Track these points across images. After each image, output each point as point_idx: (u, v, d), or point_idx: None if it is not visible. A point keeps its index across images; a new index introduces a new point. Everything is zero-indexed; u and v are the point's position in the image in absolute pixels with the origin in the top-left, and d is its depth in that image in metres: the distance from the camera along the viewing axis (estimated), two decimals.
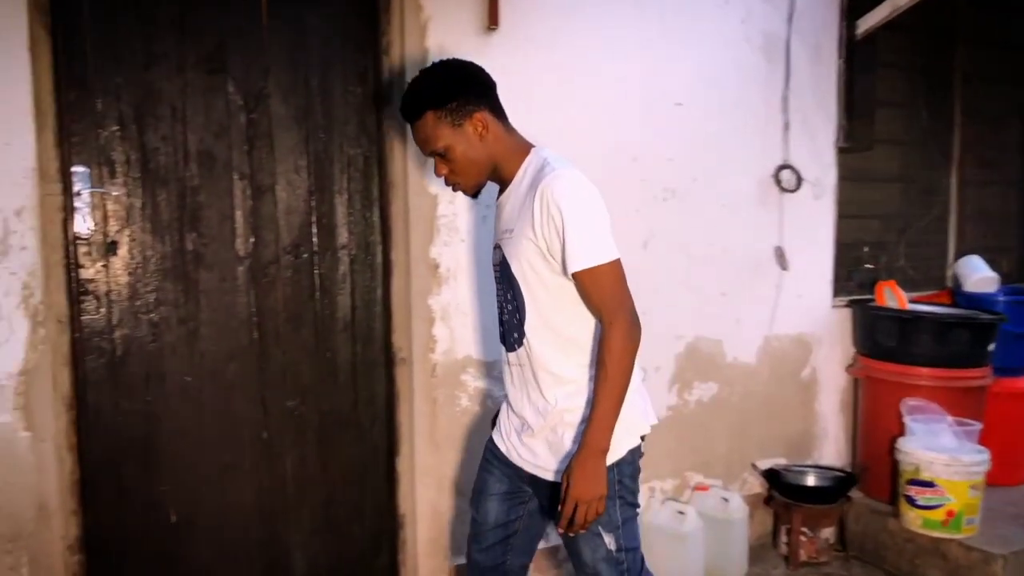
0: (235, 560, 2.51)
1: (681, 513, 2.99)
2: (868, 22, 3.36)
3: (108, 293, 2.30)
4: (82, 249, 2.25)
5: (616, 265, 1.73)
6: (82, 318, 2.25)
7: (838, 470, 3.37)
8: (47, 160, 2.14)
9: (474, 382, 2.72)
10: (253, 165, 2.43)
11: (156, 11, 2.29)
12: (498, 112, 1.87)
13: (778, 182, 3.28)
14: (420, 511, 2.69)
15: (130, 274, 2.32)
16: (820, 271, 3.46)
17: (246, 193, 2.44)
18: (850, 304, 3.55)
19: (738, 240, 3.22)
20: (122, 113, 2.27)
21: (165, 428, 2.38)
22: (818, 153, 3.38)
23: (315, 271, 2.54)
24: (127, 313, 2.32)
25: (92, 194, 2.25)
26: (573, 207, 1.69)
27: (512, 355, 1.91)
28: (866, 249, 3.73)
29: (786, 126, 3.28)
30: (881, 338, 3.32)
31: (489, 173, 1.87)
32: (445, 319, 2.65)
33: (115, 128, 2.26)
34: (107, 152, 2.26)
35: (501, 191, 1.91)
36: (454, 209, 2.64)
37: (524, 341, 1.84)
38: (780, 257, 3.29)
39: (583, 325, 1.80)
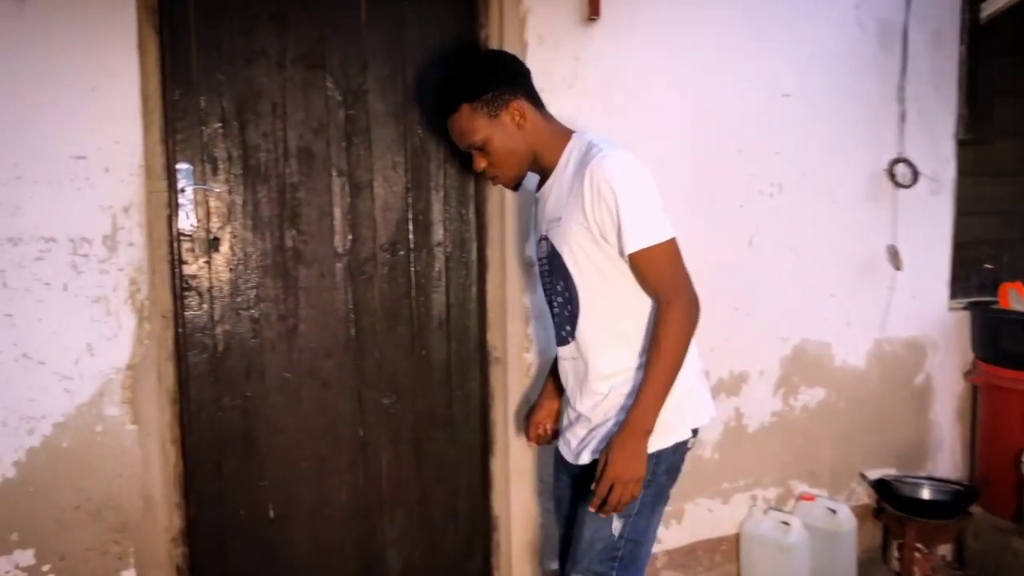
0: (331, 557, 2.50)
1: (785, 523, 2.86)
2: (993, 6, 3.14)
3: (210, 289, 2.32)
4: (185, 245, 2.28)
5: (673, 244, 1.68)
6: (185, 313, 2.28)
7: (955, 483, 3.16)
8: (153, 157, 2.16)
9: None
10: (351, 162, 2.42)
11: (257, 7, 2.29)
12: (535, 100, 1.82)
13: (892, 176, 3.09)
14: (514, 513, 2.63)
15: (231, 270, 2.33)
16: (936, 271, 3.26)
17: (344, 190, 2.42)
18: (968, 306, 3.33)
19: (848, 238, 3.06)
20: (224, 110, 2.28)
21: (264, 424, 2.40)
22: (936, 146, 3.18)
23: (411, 268, 2.52)
24: (228, 309, 2.34)
25: (195, 191, 2.27)
26: (625, 186, 1.63)
27: (565, 349, 1.86)
28: (986, 248, 3.49)
29: (901, 117, 3.09)
30: (1006, 343, 3.10)
31: (529, 163, 1.83)
32: (541, 318, 2.59)
33: (217, 125, 2.28)
34: (210, 149, 2.28)
35: (543, 181, 1.85)
36: None
37: (577, 333, 1.79)
38: (893, 256, 3.10)
39: (638, 313, 1.74)
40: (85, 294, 2.07)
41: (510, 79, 1.79)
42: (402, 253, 2.50)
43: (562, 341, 1.87)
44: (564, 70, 2.55)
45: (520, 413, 2.57)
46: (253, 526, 2.41)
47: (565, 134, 1.82)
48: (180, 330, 2.26)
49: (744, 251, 2.89)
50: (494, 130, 1.77)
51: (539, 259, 1.92)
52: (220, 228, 2.31)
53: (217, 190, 2.30)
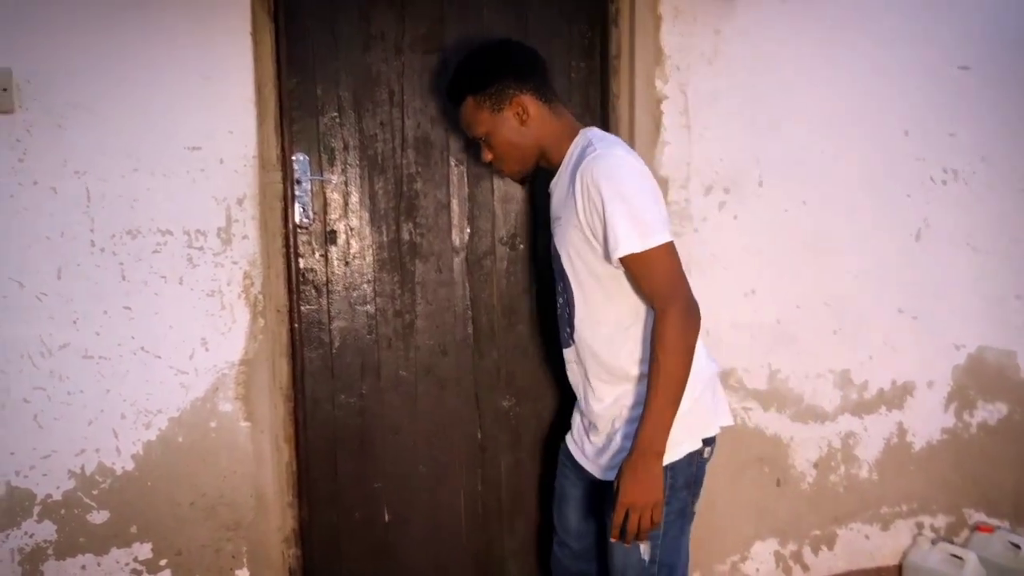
0: (448, 565, 2.39)
1: (957, 557, 2.51)
2: None
3: (327, 283, 2.25)
4: (301, 238, 2.22)
5: (667, 249, 1.60)
6: (301, 308, 2.22)
7: None
8: (268, 148, 2.11)
9: None
10: (470, 151, 2.28)
11: None
12: (544, 94, 1.78)
13: None
14: None
15: (347, 264, 2.26)
16: None
17: (463, 180, 2.30)
18: None
19: None
20: (340, 98, 2.20)
21: (379, 423, 2.31)
22: None
23: (532, 263, 2.36)
24: (344, 304, 2.26)
25: (312, 182, 2.20)
26: (613, 187, 1.57)
27: (568, 351, 1.84)
28: None
29: None
30: None
31: (535, 158, 1.81)
32: None
33: (334, 114, 2.20)
34: (326, 139, 2.21)
35: (552, 177, 1.83)
36: (686, 195, 2.35)
37: (575, 336, 1.77)
38: None
39: (637, 317, 1.69)
40: (200, 287, 2.04)
41: (519, 74, 1.76)
42: (522, 247, 2.35)
43: (565, 343, 1.84)
44: (703, 45, 2.32)
45: None
46: (368, 529, 2.33)
47: (573, 130, 1.78)
48: (295, 325, 2.19)
49: (911, 246, 2.55)
50: (497, 124, 1.77)
51: (552, 258, 1.88)
52: (336, 220, 2.24)
53: (334, 181, 2.23)
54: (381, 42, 2.22)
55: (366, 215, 2.25)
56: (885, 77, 2.48)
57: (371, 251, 2.27)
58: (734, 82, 2.35)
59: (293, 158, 2.17)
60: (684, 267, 2.29)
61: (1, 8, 1.87)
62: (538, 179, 2.32)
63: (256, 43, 2.04)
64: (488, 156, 1.84)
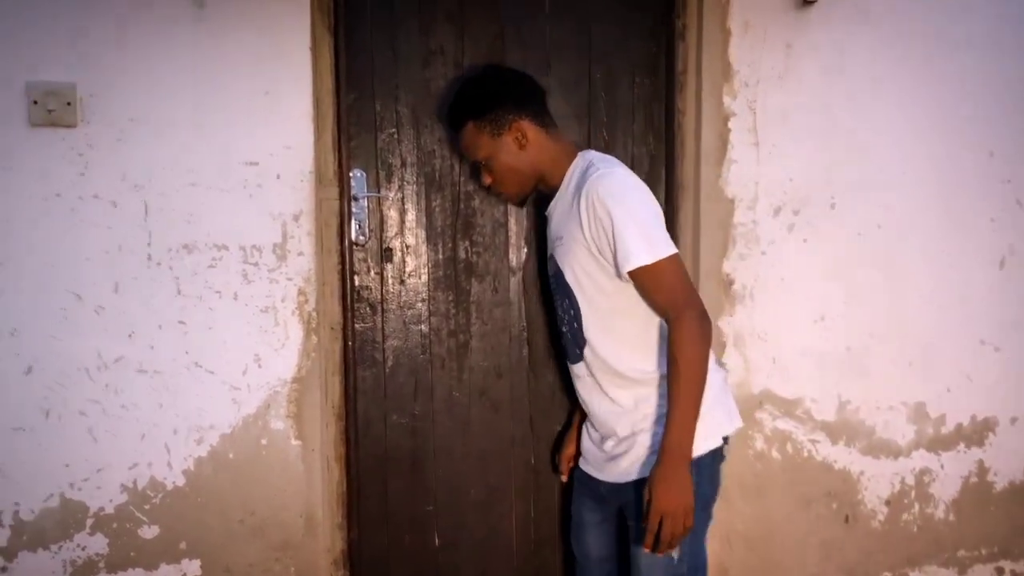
0: None
1: None
2: None
3: (381, 301, 2.21)
4: (357, 255, 2.19)
5: (674, 260, 1.65)
6: (355, 326, 2.19)
7: None
8: (325, 164, 2.09)
9: (772, 422, 2.31)
10: None
11: (434, 4, 2.17)
12: (542, 119, 1.85)
13: None
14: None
15: (402, 282, 2.22)
16: None
17: None
18: None
19: None
20: (399, 114, 2.17)
21: (431, 445, 2.26)
22: None
23: None
24: (398, 323, 2.23)
25: (368, 199, 2.17)
26: (619, 205, 1.63)
27: (577, 367, 1.87)
28: None
29: None
30: None
31: (533, 182, 1.87)
32: (738, 345, 2.27)
33: (392, 130, 2.17)
34: (384, 155, 2.18)
35: (551, 199, 1.88)
36: (754, 216, 2.25)
37: (586, 350, 1.80)
38: None
39: (648, 324, 1.74)
40: (255, 303, 2.02)
41: (518, 99, 1.83)
42: None
43: (575, 359, 1.87)
44: (773, 61, 2.23)
45: None
46: (417, 553, 2.28)
47: (571, 153, 1.84)
48: (349, 343, 2.16)
49: (994, 273, 2.41)
50: (496, 149, 1.83)
51: (550, 276, 1.93)
52: (392, 238, 2.21)
53: (390, 198, 2.20)
54: (441, 57, 2.19)
55: (422, 233, 2.22)
56: (967, 95, 2.35)
57: (426, 269, 2.23)
58: (806, 99, 2.25)
59: (350, 174, 2.14)
60: (749, 290, 2.27)
61: (66, 23, 1.89)
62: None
63: (315, 57, 2.03)
64: (488, 180, 1.89)
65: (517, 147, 1.82)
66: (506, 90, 1.84)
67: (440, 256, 2.23)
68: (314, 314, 2.06)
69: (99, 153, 1.93)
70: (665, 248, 1.64)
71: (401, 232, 2.21)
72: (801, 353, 2.31)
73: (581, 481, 1.98)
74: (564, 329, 1.88)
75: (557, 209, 1.85)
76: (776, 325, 2.29)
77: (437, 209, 2.22)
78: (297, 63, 1.99)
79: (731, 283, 2.25)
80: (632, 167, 2.23)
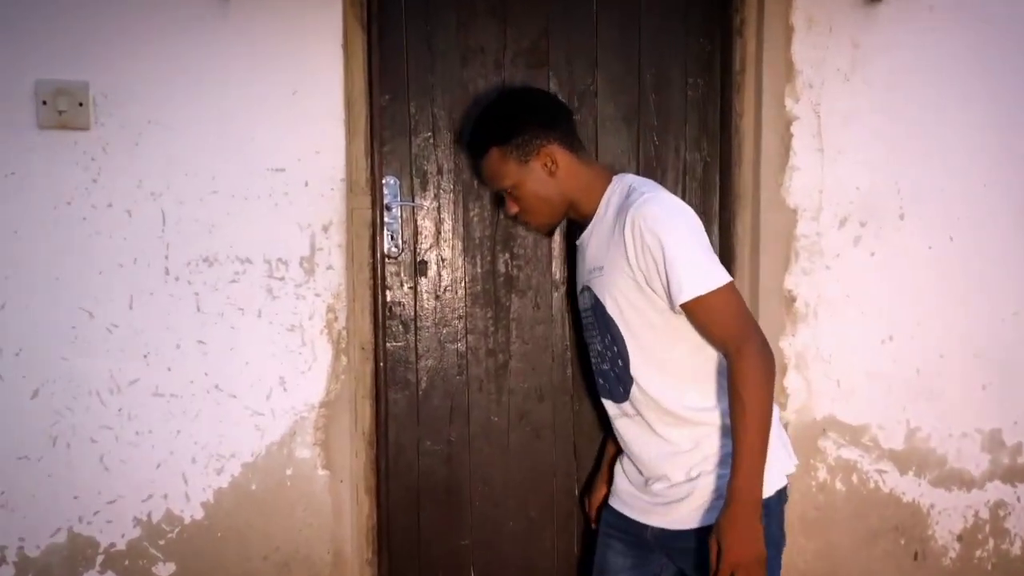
0: None
1: None
2: None
3: (415, 318, 2.06)
4: (390, 269, 2.03)
5: (731, 289, 1.54)
6: (387, 345, 2.03)
7: None
8: (357, 170, 1.93)
9: (836, 450, 2.13)
10: None
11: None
12: (571, 143, 1.72)
13: None
14: None
15: (437, 298, 2.06)
16: None
17: None
18: None
19: None
20: (435, 117, 2.02)
21: (467, 473, 2.10)
22: None
23: None
24: (433, 341, 2.07)
25: (402, 208, 2.02)
26: (669, 231, 1.52)
27: (622, 407, 1.72)
28: None
29: None
30: None
31: (564, 211, 1.75)
32: (800, 367, 2.10)
33: (427, 134, 2.02)
34: (419, 161, 2.03)
35: (583, 228, 1.75)
36: (817, 228, 2.09)
37: (632, 389, 1.66)
38: None
39: (703, 358, 1.61)
40: (280, 321, 1.87)
41: (545, 122, 1.70)
42: None
43: (619, 399, 1.71)
44: (839, 60, 2.07)
45: None
46: None
47: (604, 177, 1.72)
48: (380, 364, 2.00)
49: None
50: (524, 176, 1.70)
51: (582, 311, 1.81)
52: (428, 250, 2.05)
53: (425, 207, 2.04)
54: (480, 56, 2.03)
55: (459, 245, 2.06)
56: None
57: (463, 284, 2.07)
58: (873, 101, 2.09)
59: (383, 181, 1.99)
60: (813, 308, 2.10)
61: (78, 18, 1.74)
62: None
63: (347, 55, 1.88)
64: (514, 209, 1.76)
65: (546, 173, 1.69)
66: (532, 113, 1.71)
67: (478, 270, 2.07)
68: (344, 333, 1.90)
69: (113, 158, 1.78)
70: (720, 276, 1.53)
71: (437, 244, 2.05)
72: (867, 376, 2.14)
73: (610, 523, 1.83)
74: (605, 367, 1.73)
75: (593, 238, 1.71)
76: (841, 346, 2.12)
77: (475, 219, 2.06)
78: (328, 61, 1.85)
79: (793, 300, 2.09)
80: (684, 174, 2.11)
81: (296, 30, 1.83)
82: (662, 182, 2.10)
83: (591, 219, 1.71)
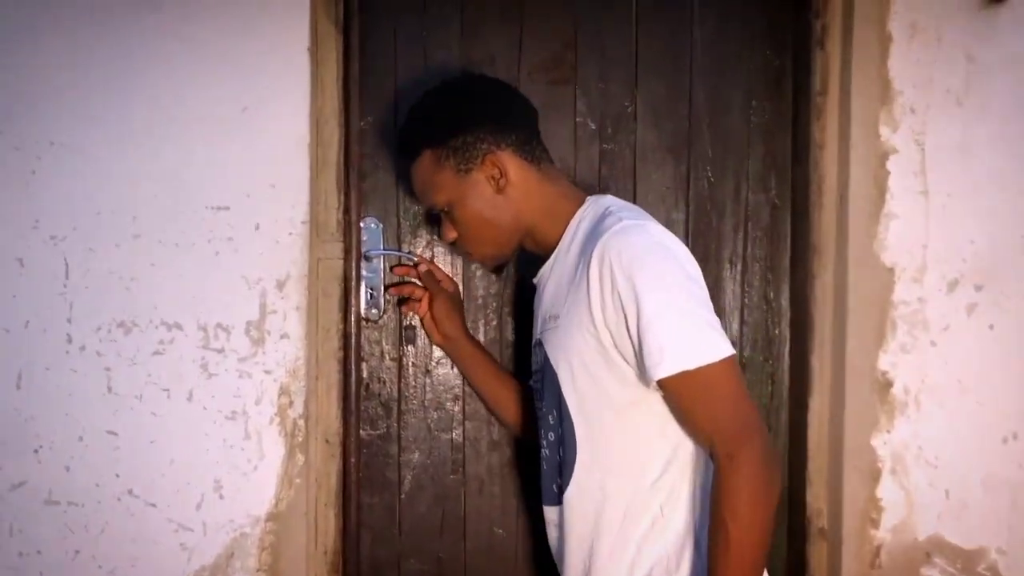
0: None
1: None
2: None
3: (399, 400, 1.65)
4: (368, 336, 1.64)
5: (731, 365, 1.16)
6: (361, 435, 1.61)
7: None
8: (325, 210, 1.53)
9: None
10: None
11: None
12: (530, 151, 1.35)
13: None
14: None
15: (427, 373, 1.66)
16: None
17: None
18: None
19: None
20: None
21: None
22: None
23: None
24: (421, 429, 1.66)
25: (385, 259, 1.62)
26: (650, 274, 1.15)
27: (552, 511, 1.35)
28: None
29: None
30: None
31: (516, 239, 1.38)
32: (899, 472, 1.65)
33: None
34: (407, 200, 1.65)
35: (541, 263, 1.39)
36: (920, 292, 1.64)
37: (567, 494, 1.28)
38: None
39: (672, 463, 1.23)
40: (216, 407, 1.46)
41: (497, 121, 1.33)
42: None
43: (550, 500, 1.35)
44: (950, 77, 1.64)
45: None
46: None
47: (574, 199, 1.35)
48: (351, 460, 1.57)
49: None
50: (463, 190, 1.33)
51: (533, 372, 1.43)
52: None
53: (415, 258, 1.62)
54: (490, 68, 1.66)
55: None
56: None
57: None
58: (994, 130, 1.66)
59: (361, 225, 1.59)
60: (914, 395, 1.64)
61: None
62: (708, 258, 1.69)
63: (316, 63, 1.50)
64: (451, 234, 1.40)
65: (493, 189, 1.34)
66: (480, 107, 1.35)
67: (481, 337, 1.68)
68: (301, 423, 1.48)
69: (3, 190, 1.41)
70: (718, 346, 1.15)
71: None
72: (985, 485, 1.68)
73: None
74: (545, 451, 1.36)
75: (552, 276, 1.35)
76: (951, 445, 1.67)
77: (478, 273, 1.67)
78: (290, 69, 1.46)
79: (889, 385, 1.64)
80: (746, 220, 1.72)
81: (250, 29, 1.46)
82: (716, 228, 1.71)
83: (553, 251, 1.35)
